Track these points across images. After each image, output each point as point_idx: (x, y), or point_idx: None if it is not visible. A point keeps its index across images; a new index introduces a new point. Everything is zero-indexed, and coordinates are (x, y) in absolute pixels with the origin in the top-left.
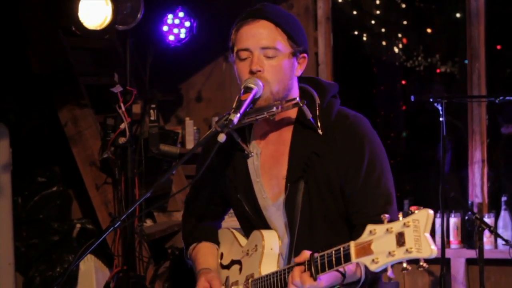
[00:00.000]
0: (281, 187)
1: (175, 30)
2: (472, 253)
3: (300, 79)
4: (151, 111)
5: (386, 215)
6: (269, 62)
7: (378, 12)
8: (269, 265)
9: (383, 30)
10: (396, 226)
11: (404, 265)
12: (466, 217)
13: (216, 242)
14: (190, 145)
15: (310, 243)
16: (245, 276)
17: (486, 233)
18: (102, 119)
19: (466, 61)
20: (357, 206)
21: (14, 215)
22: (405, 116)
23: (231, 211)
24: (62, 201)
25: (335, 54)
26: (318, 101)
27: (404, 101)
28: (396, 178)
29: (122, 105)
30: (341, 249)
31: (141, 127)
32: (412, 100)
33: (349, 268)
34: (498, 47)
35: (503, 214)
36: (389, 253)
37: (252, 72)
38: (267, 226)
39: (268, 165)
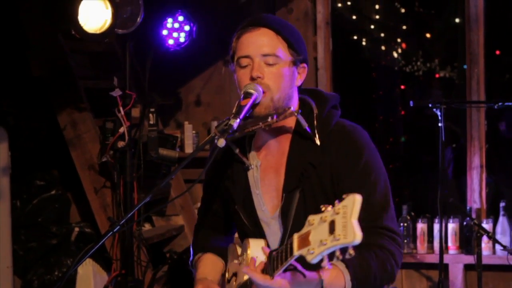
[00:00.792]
0: (279, 198)
1: (175, 34)
2: (470, 259)
3: (302, 90)
4: (150, 115)
5: (327, 205)
6: (269, 69)
7: (377, 16)
8: None
9: (382, 34)
10: (329, 214)
11: (337, 253)
12: (465, 223)
13: (224, 257)
14: (189, 149)
15: None
16: (237, 285)
17: (485, 238)
18: (101, 123)
19: (465, 66)
20: None
21: (13, 218)
22: (404, 121)
23: None
24: (60, 205)
25: (334, 59)
26: (316, 111)
27: (403, 106)
28: (395, 183)
29: (121, 108)
30: (288, 243)
31: (140, 131)
32: (411, 105)
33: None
34: (497, 52)
35: (502, 219)
36: (321, 242)
37: (252, 79)
38: (264, 238)
39: (267, 177)
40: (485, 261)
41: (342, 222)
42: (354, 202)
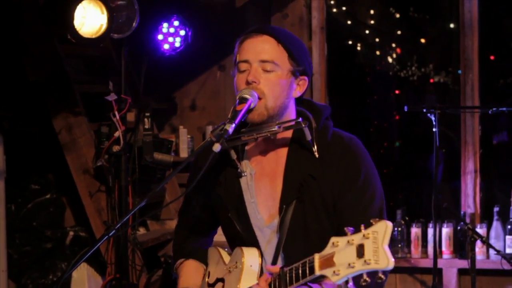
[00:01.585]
0: (277, 208)
1: (170, 39)
2: (464, 263)
3: (296, 101)
4: (145, 119)
5: (350, 228)
6: (266, 75)
7: (372, 22)
8: (248, 282)
9: (377, 40)
10: (357, 238)
11: (364, 277)
12: (459, 227)
13: (204, 261)
14: (184, 153)
15: None
16: None
17: (478, 243)
18: (97, 127)
19: (460, 72)
20: (347, 224)
21: (8, 222)
22: (398, 126)
23: None
24: (55, 209)
25: (329, 64)
26: (314, 124)
27: (398, 111)
28: (389, 188)
29: (116, 113)
30: (307, 261)
31: (135, 135)
32: (406, 110)
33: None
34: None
35: (495, 224)
36: (349, 264)
37: (248, 83)
38: (258, 246)
39: (263, 185)
40: (479, 265)
41: (372, 247)
42: (386, 228)
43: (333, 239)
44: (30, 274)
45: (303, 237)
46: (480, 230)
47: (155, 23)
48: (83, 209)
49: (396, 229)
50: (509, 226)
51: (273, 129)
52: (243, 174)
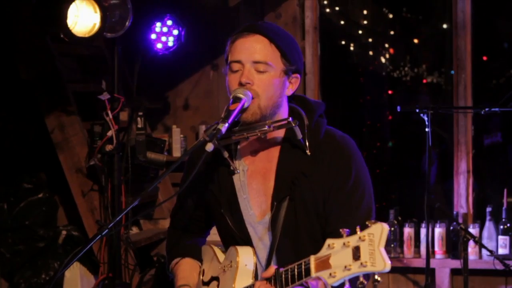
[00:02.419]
0: (268, 204)
1: (163, 38)
2: (456, 263)
3: (289, 97)
4: (138, 118)
5: (346, 230)
6: (259, 76)
7: (365, 22)
8: (243, 281)
9: (370, 40)
10: (353, 240)
11: (361, 279)
12: (451, 228)
13: (199, 259)
14: (177, 153)
15: (294, 261)
16: None
17: (471, 243)
18: (89, 126)
19: (453, 72)
20: (336, 225)
21: (0, 221)
22: (391, 126)
23: None
24: (48, 208)
25: (322, 64)
26: (306, 121)
27: (391, 111)
28: (382, 188)
29: (109, 112)
30: (303, 263)
31: (128, 135)
32: (398, 110)
33: (312, 284)
34: (485, 58)
35: (488, 224)
36: (345, 267)
37: (241, 84)
38: (249, 243)
39: (255, 182)
40: (471, 265)
41: (368, 249)
42: (382, 230)
43: (329, 241)
44: (22, 273)
45: (294, 235)
46: (473, 230)
47: (148, 22)
48: (75, 208)
49: (389, 229)
50: (501, 226)
51: (264, 128)
52: (236, 172)
